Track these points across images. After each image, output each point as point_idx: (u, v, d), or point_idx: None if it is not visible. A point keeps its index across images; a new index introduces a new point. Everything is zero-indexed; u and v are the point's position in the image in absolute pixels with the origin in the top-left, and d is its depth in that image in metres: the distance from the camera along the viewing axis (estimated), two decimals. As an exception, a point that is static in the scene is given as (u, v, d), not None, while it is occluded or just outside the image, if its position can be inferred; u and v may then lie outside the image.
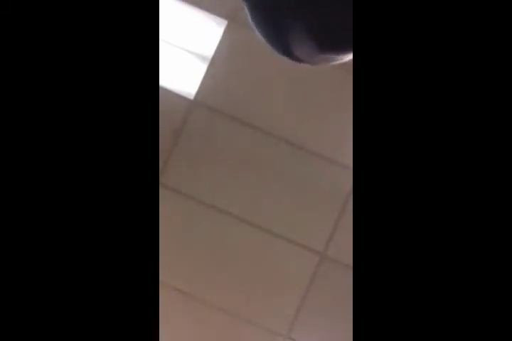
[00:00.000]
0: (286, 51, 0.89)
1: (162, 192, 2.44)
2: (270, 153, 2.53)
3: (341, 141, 2.52)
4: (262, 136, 2.53)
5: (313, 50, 0.86)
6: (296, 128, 2.54)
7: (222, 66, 2.54)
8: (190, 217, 2.55)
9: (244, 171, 2.54)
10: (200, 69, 2.57)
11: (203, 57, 2.59)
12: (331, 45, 0.84)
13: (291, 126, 2.54)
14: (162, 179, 2.51)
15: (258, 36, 0.87)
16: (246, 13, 0.86)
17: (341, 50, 0.85)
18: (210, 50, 2.54)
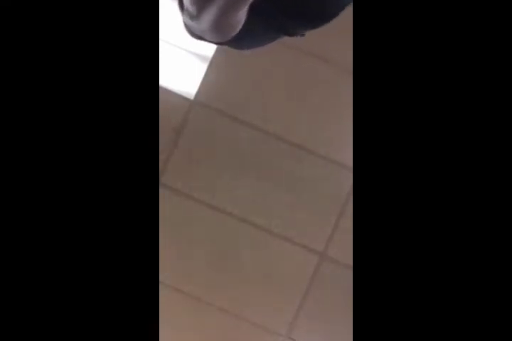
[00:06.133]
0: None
1: (162, 192, 2.44)
2: (270, 153, 2.53)
3: (341, 141, 2.52)
4: (262, 136, 2.53)
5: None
6: (296, 128, 2.53)
7: (222, 66, 2.54)
8: (190, 217, 2.55)
9: (244, 171, 2.54)
10: (200, 69, 2.57)
11: (203, 57, 2.59)
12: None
13: (291, 125, 2.53)
14: (162, 179, 2.51)
15: None
16: None
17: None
18: (210, 50, 2.54)
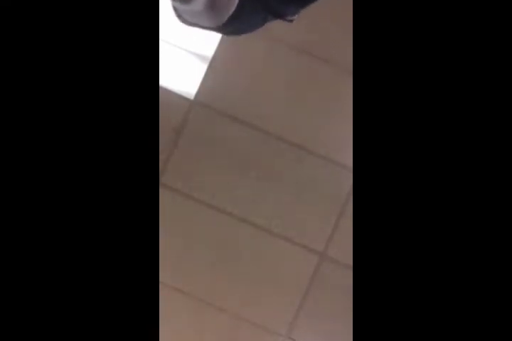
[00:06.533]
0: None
1: (162, 192, 2.44)
2: (270, 153, 2.53)
3: (341, 141, 2.52)
4: (262, 136, 2.53)
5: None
6: (296, 128, 2.53)
7: (222, 66, 2.54)
8: (190, 217, 2.55)
9: (244, 171, 2.54)
10: (200, 69, 2.57)
11: (203, 57, 2.59)
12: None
13: (291, 125, 2.53)
14: (162, 179, 2.51)
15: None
16: None
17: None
18: (210, 50, 2.54)
